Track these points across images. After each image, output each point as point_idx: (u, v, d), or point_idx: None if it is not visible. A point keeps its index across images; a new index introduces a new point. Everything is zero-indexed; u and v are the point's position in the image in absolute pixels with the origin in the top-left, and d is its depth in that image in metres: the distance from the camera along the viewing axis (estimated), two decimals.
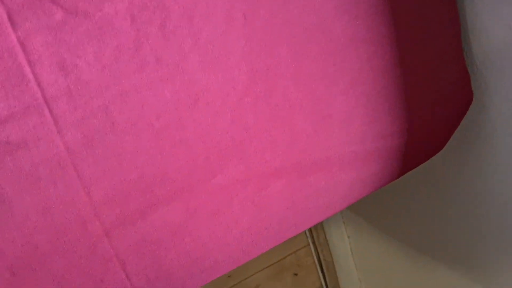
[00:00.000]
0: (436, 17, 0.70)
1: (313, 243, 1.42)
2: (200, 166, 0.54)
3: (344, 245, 1.35)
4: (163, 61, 0.51)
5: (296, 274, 1.40)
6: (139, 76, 0.50)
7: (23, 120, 0.46)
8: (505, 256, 0.88)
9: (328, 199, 0.65)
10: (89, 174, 0.49)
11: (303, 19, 0.57)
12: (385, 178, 0.71)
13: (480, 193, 0.86)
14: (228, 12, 0.53)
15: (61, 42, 0.46)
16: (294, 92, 0.58)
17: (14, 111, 0.45)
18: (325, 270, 1.44)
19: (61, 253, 0.49)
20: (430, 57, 0.71)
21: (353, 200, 0.69)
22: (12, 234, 0.47)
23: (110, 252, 0.51)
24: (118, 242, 0.52)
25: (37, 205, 0.48)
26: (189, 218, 0.55)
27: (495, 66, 0.75)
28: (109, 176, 0.50)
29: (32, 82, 0.46)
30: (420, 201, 1.01)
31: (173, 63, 0.51)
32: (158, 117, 0.51)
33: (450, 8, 0.72)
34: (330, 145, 0.63)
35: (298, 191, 0.61)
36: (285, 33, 0.57)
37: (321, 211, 0.65)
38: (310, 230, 1.40)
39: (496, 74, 0.76)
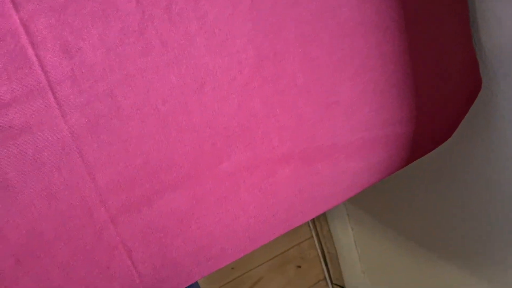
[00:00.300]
0: (445, 4, 0.69)
1: (317, 235, 1.41)
2: (206, 152, 0.53)
3: (347, 237, 1.34)
4: (168, 45, 0.50)
5: (299, 267, 1.40)
6: (144, 60, 0.49)
7: (26, 104, 0.45)
8: None
9: (335, 187, 0.64)
10: (94, 159, 0.48)
11: (310, 2, 0.56)
12: (392, 166, 0.70)
13: (488, 183, 0.85)
14: None
15: (64, 24, 0.45)
16: (301, 77, 0.57)
17: (17, 95, 0.44)
18: (328, 263, 1.43)
19: (66, 240, 0.49)
20: (439, 44, 0.70)
21: (360, 188, 0.68)
22: (16, 220, 0.46)
23: (116, 239, 0.51)
24: (124, 229, 0.51)
25: (41, 191, 0.47)
26: (195, 205, 0.54)
27: (504, 53, 0.74)
28: (114, 162, 0.49)
29: (36, 65, 0.45)
30: (425, 193, 1.00)
31: (179, 46, 0.50)
32: (164, 102, 0.50)
33: None
34: (337, 132, 0.62)
35: (305, 178, 0.61)
36: (292, 16, 0.56)
37: (328, 199, 0.64)
38: (313, 222, 1.40)
39: (505, 62, 0.75)
